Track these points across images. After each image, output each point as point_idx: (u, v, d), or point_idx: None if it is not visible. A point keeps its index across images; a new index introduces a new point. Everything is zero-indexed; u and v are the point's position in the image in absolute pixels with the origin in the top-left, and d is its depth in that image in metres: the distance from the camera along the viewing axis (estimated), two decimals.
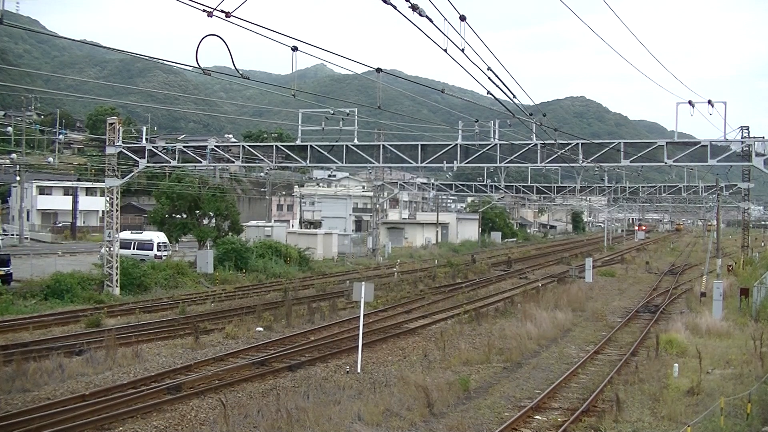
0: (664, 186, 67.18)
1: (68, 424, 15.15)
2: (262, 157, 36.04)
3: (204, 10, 10.46)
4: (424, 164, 33.91)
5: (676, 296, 42.55)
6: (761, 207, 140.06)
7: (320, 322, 29.90)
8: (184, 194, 50.88)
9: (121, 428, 15.58)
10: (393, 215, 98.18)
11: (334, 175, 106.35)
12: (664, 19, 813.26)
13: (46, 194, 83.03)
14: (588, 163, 32.76)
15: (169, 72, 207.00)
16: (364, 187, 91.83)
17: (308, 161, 34.71)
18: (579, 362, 22.89)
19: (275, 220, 76.50)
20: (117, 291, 35.32)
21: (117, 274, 35.53)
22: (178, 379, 19.46)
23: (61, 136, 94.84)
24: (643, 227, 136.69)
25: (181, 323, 27.83)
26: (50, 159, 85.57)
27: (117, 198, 36.67)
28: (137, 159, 36.81)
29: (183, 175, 52.41)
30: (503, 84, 16.01)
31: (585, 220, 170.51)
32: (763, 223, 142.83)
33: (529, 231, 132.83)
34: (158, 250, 47.03)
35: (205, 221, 53.01)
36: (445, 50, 12.58)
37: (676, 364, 21.25)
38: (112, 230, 36.04)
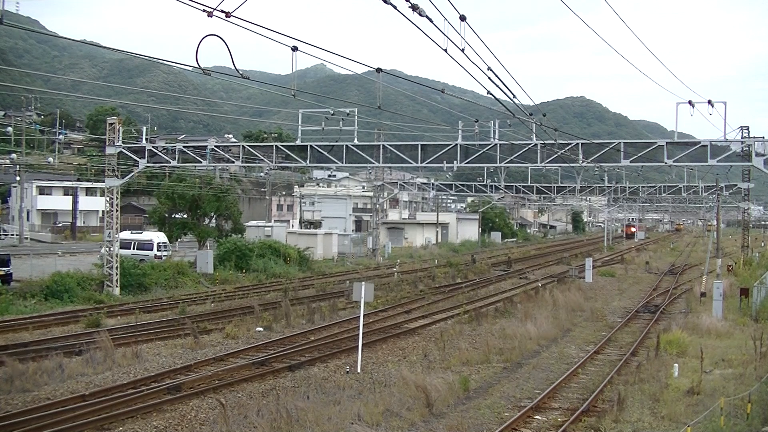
0: (664, 186, 67.22)
1: (68, 424, 15.15)
2: (262, 157, 36.05)
3: (204, 10, 10.48)
4: (424, 164, 33.94)
5: (676, 296, 42.55)
6: (761, 207, 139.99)
7: (320, 322, 29.89)
8: (185, 194, 50.85)
9: (121, 428, 15.58)
10: (393, 215, 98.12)
11: (334, 175, 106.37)
12: (664, 19, 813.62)
13: (46, 194, 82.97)
14: (588, 163, 32.77)
15: (169, 72, 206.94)
16: (364, 187, 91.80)
17: (308, 161, 34.74)
18: (579, 362, 22.89)
19: (275, 220, 76.46)
20: (117, 291, 35.33)
21: (117, 274, 35.53)
22: (178, 379, 19.45)
23: (61, 136, 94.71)
24: (633, 228, 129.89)
25: (180, 323, 27.82)
26: (50, 159, 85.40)
27: (117, 198, 36.67)
28: (137, 159, 36.85)
29: (185, 175, 52.37)
30: (503, 84, 16.03)
31: (585, 220, 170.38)
32: (763, 223, 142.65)
33: (529, 231, 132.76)
34: (158, 250, 47.03)
35: (206, 221, 52.97)
36: (445, 50, 12.59)
37: (676, 364, 21.25)
38: (112, 230, 36.05)
